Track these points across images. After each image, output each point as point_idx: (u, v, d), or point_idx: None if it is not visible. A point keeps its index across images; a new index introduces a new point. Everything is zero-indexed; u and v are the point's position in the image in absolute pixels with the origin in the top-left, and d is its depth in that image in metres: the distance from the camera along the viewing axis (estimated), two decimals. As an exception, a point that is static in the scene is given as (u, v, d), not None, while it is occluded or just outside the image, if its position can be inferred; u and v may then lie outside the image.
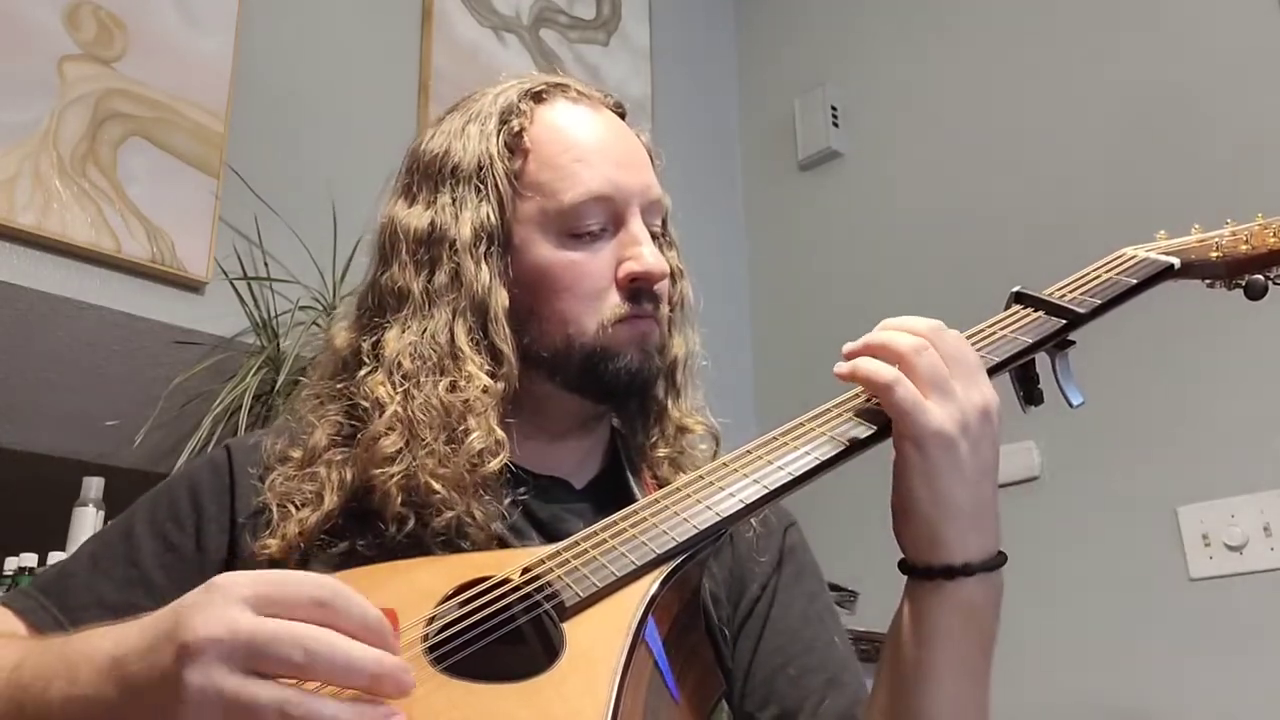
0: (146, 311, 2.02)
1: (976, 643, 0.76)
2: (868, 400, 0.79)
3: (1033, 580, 2.27)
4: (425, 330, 0.89)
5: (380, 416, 0.86)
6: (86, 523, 1.89)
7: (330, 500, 0.86)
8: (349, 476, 0.87)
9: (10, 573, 1.87)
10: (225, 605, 0.57)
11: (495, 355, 0.89)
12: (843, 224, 2.99)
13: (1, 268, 1.87)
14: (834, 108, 3.04)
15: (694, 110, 3.19)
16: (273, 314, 2.04)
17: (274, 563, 0.85)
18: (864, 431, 0.76)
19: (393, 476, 0.84)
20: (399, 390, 0.87)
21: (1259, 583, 2.07)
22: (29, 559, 1.88)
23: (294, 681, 0.56)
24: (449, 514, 0.83)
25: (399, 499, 0.84)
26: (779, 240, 3.14)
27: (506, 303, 0.90)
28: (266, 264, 2.11)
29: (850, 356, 0.79)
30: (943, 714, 0.76)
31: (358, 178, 2.21)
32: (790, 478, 0.75)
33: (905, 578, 0.78)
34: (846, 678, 0.92)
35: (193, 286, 2.08)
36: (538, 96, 0.96)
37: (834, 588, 2.10)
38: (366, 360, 0.91)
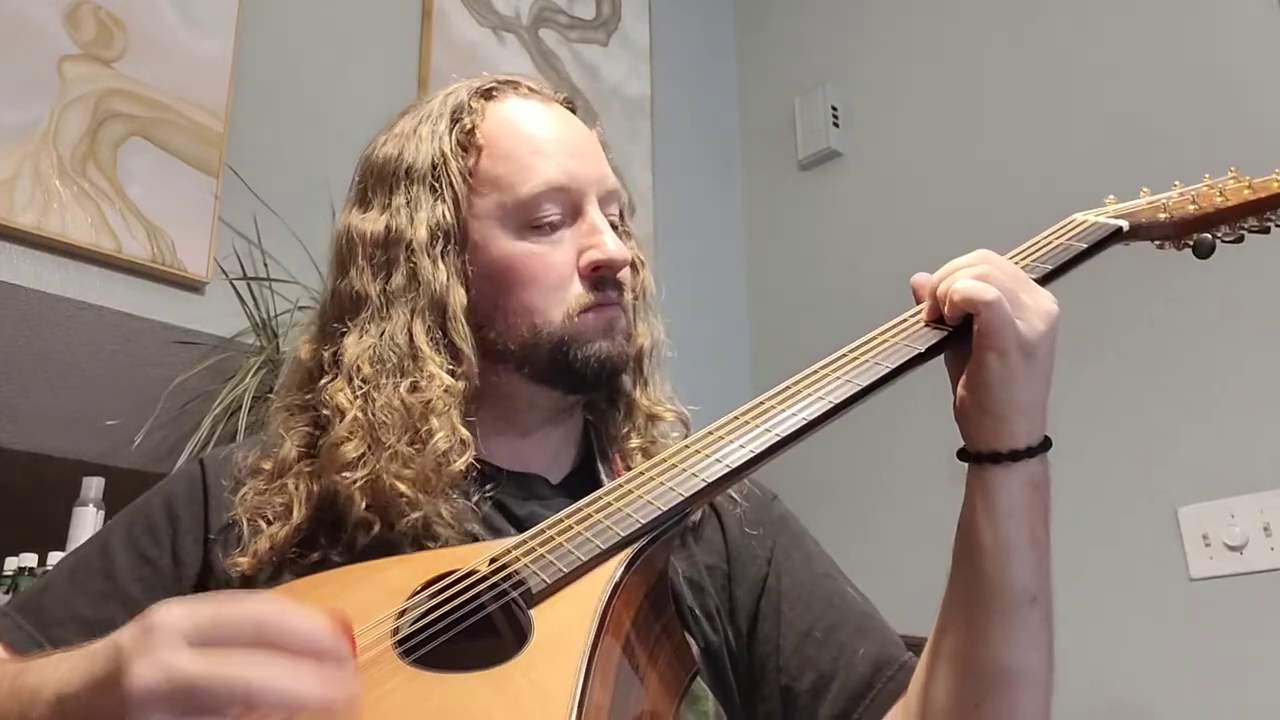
0: (146, 311, 2.02)
1: (1041, 516, 0.82)
2: (839, 374, 0.80)
3: (1032, 580, 2.27)
4: (384, 332, 0.89)
5: (341, 422, 0.86)
6: (86, 523, 1.90)
7: (298, 514, 0.86)
8: (315, 488, 0.87)
9: (10, 573, 1.87)
10: (162, 648, 0.55)
11: (455, 354, 0.89)
12: (843, 224, 2.98)
13: (1, 268, 1.87)
14: (834, 108, 3.04)
15: (694, 110, 3.19)
16: (272, 314, 2.05)
17: (246, 579, 0.85)
18: (823, 408, 0.77)
19: (355, 482, 0.84)
20: (359, 395, 0.87)
21: (1259, 583, 2.07)
22: (29, 559, 1.88)
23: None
24: (416, 515, 0.83)
25: (362, 504, 0.84)
26: (779, 240, 3.14)
27: (464, 301, 0.90)
28: (266, 264, 2.11)
29: (920, 284, 0.83)
30: (1030, 586, 0.80)
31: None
32: (751, 455, 0.75)
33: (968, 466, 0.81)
34: (871, 624, 0.93)
35: (193, 286, 2.08)
36: (488, 94, 0.97)
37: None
38: (328, 369, 0.91)
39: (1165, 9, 2.49)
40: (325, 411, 0.89)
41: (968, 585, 0.82)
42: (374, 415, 0.86)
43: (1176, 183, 0.96)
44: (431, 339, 0.89)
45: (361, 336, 0.90)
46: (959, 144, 2.78)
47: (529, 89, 0.99)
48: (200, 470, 0.94)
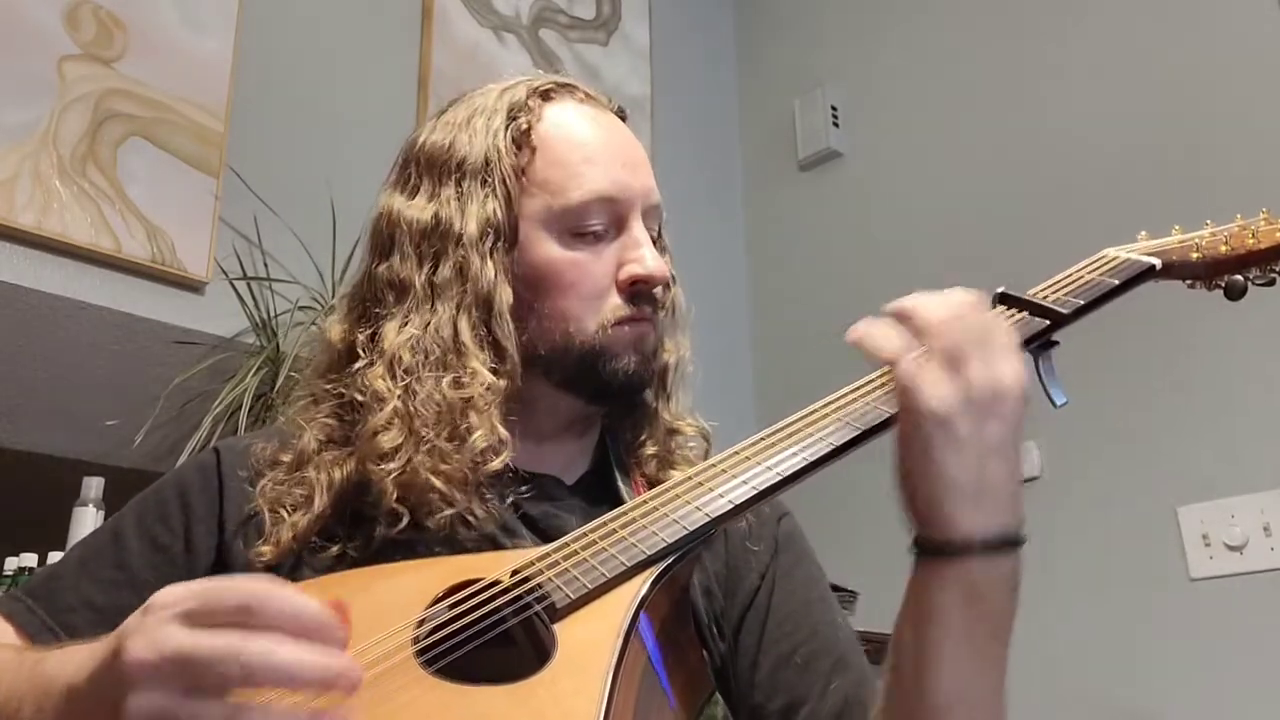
0: (146, 311, 2.02)
1: (983, 624, 0.72)
2: (859, 402, 0.79)
3: (1032, 580, 2.26)
4: (428, 324, 0.89)
5: (380, 411, 0.86)
6: (86, 523, 1.89)
7: (320, 502, 0.86)
8: (337, 477, 0.87)
9: (10, 573, 1.87)
10: (157, 626, 0.56)
11: (498, 352, 0.89)
12: (843, 224, 2.99)
13: (2, 268, 1.87)
14: (834, 108, 3.04)
15: (694, 110, 3.19)
16: (272, 314, 2.04)
17: (269, 568, 0.84)
18: (849, 434, 0.76)
19: (390, 473, 0.84)
20: (399, 385, 0.87)
21: (1259, 583, 2.07)
22: (29, 559, 1.88)
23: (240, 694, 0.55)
24: (448, 511, 0.83)
25: (394, 494, 0.83)
26: (779, 240, 3.14)
27: (510, 300, 0.90)
28: (266, 264, 2.11)
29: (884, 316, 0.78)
30: (944, 693, 0.72)
31: (357, 178, 2.21)
32: (779, 478, 0.75)
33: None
34: (852, 659, 0.92)
35: (193, 286, 2.08)
36: (545, 95, 0.97)
37: (834, 588, 2.09)
38: (363, 353, 0.90)
39: (1170, 11, 2.49)
40: (359, 397, 0.88)
41: (888, 670, 0.78)
42: (414, 407, 0.85)
43: (1208, 222, 0.96)
44: (476, 335, 0.89)
45: (403, 325, 0.89)
46: (959, 144, 2.78)
47: (585, 94, 0.98)
48: (215, 459, 0.93)
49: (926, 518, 0.72)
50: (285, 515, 0.86)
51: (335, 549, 0.85)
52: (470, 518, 0.84)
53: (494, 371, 0.88)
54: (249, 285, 2.06)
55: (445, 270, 0.90)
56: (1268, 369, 2.15)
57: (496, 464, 0.85)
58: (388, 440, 0.85)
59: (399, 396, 0.86)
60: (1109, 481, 2.29)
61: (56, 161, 1.93)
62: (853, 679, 0.90)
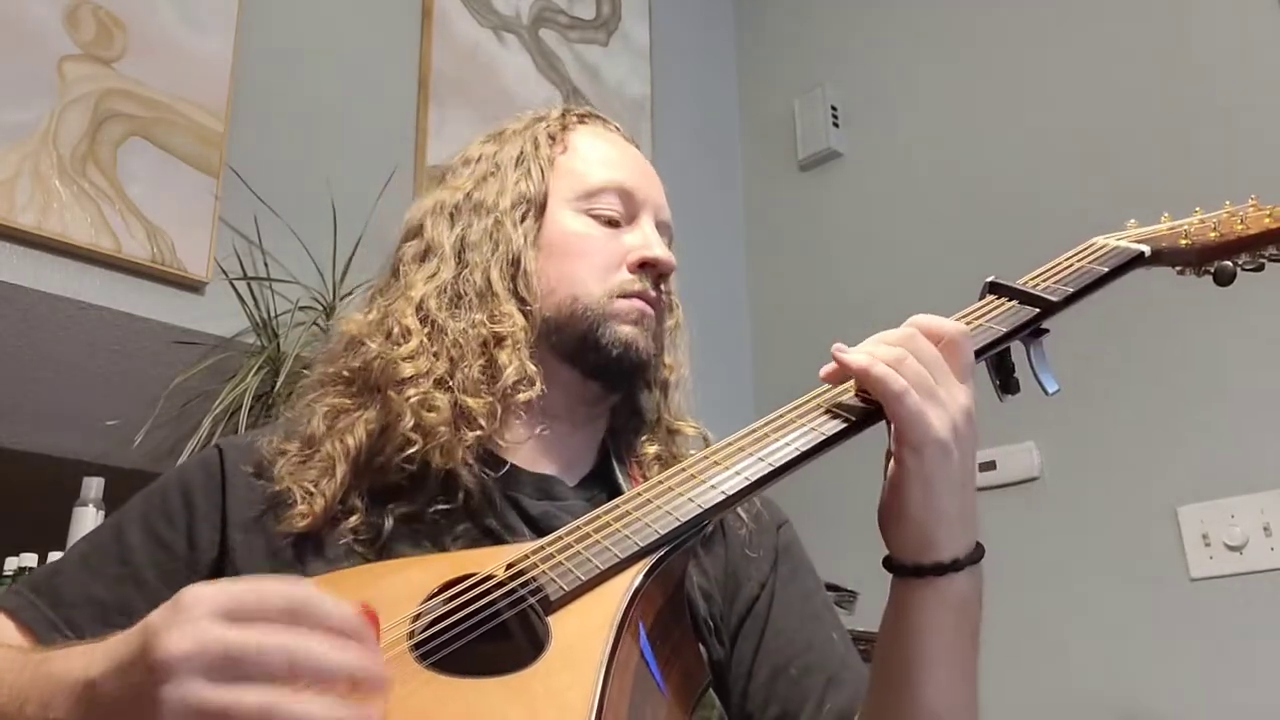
0: (146, 311, 2.01)
1: (967, 634, 0.78)
2: (846, 392, 0.79)
3: (1033, 580, 2.27)
4: (458, 275, 0.95)
5: (406, 342, 0.91)
6: (86, 523, 1.89)
7: (341, 469, 0.88)
8: (351, 443, 0.89)
9: (10, 573, 1.87)
10: (196, 620, 0.55)
11: (524, 305, 0.95)
12: (843, 224, 2.98)
13: (2, 268, 1.87)
14: (834, 108, 3.04)
15: (694, 110, 3.19)
16: (272, 314, 2.04)
17: (302, 538, 0.87)
18: (842, 424, 0.77)
19: (409, 398, 0.88)
20: (429, 321, 0.93)
21: (1259, 583, 2.07)
22: (29, 559, 1.88)
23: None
24: (474, 435, 0.88)
25: (410, 422, 0.87)
26: (779, 240, 3.14)
27: (535, 264, 0.96)
28: (266, 264, 2.11)
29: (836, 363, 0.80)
30: (936, 705, 0.77)
31: (358, 178, 2.22)
32: (770, 469, 0.75)
33: (892, 576, 0.79)
34: (847, 675, 0.93)
35: (193, 286, 2.08)
36: (580, 117, 1.07)
37: (834, 588, 2.09)
38: (378, 311, 0.96)
39: (1169, 10, 2.49)
40: (373, 344, 0.93)
41: (875, 692, 0.82)
42: (446, 339, 0.91)
43: (1198, 209, 0.97)
44: (506, 287, 0.95)
45: (431, 276, 0.96)
46: (959, 144, 2.78)
47: (615, 127, 1.09)
48: (219, 456, 0.94)
49: (919, 544, 0.76)
50: (312, 487, 0.88)
51: (353, 520, 0.87)
52: (499, 440, 0.90)
53: (525, 315, 0.94)
54: (249, 285, 2.05)
55: (476, 232, 0.97)
56: (1267, 370, 2.15)
57: (525, 396, 0.91)
58: (409, 368, 0.90)
59: (425, 333, 0.92)
60: (1109, 481, 2.29)
61: (56, 161, 1.93)
62: (846, 696, 0.91)
